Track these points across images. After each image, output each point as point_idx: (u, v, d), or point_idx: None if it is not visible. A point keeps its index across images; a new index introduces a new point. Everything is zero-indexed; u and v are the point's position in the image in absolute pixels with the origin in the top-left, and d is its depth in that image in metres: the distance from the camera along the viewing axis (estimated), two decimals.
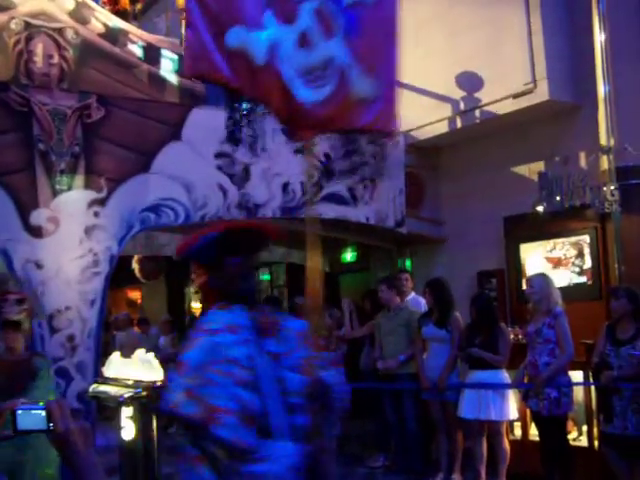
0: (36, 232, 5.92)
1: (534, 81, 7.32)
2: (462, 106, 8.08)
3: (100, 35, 7.03)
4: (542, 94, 7.31)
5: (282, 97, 2.96)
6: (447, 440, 6.70)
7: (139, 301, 15.28)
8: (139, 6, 9.24)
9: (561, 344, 5.73)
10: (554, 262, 7.62)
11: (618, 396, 5.29)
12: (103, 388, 5.79)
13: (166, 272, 11.60)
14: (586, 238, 7.35)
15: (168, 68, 7.50)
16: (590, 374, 6.09)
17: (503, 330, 6.36)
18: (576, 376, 6.22)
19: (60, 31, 6.73)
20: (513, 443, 6.55)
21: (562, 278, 7.34)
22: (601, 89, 7.03)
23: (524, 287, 7.12)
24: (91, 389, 5.85)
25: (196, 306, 12.74)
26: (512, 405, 6.25)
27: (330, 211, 7.32)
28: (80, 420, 1.71)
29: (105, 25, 7.10)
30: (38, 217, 5.94)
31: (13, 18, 6.57)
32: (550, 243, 7.67)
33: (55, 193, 6.02)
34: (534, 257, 7.80)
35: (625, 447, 5.30)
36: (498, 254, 8.17)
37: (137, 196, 6.37)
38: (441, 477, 6.65)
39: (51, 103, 6.04)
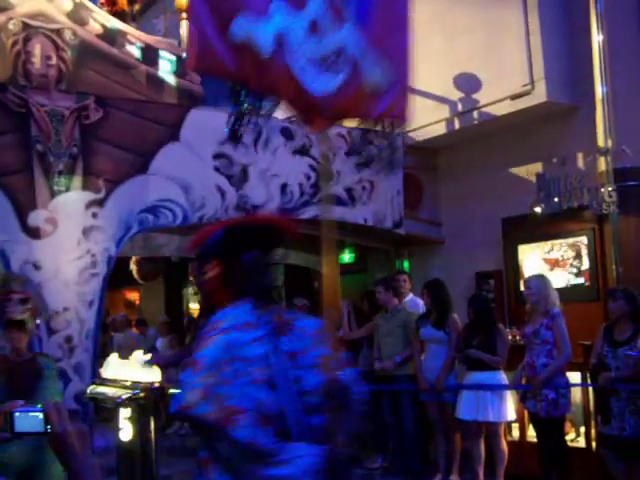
0: (34, 233, 5.92)
1: (532, 82, 7.33)
2: (460, 107, 8.09)
3: (98, 36, 7.03)
4: (540, 95, 7.32)
5: (293, 88, 2.90)
6: (445, 441, 6.71)
7: (137, 302, 15.26)
8: (137, 7, 9.24)
9: (559, 345, 5.74)
10: (552, 263, 7.62)
11: (616, 397, 5.29)
12: (101, 389, 5.78)
13: (164, 273, 11.59)
14: (584, 239, 7.36)
15: (166, 69, 7.49)
16: (588, 375, 6.10)
17: (501, 331, 6.37)
18: (574, 377, 6.23)
19: (58, 32, 6.73)
20: (511, 444, 6.56)
21: (560, 279, 7.35)
22: (599, 90, 7.03)
23: (522, 288, 7.13)
24: (89, 390, 5.85)
25: (194, 307, 12.73)
26: (510, 406, 6.25)
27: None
28: (78, 422, 1.71)
29: (103, 26, 7.10)
30: (36, 218, 5.94)
31: (11, 19, 6.56)
32: (548, 244, 7.67)
33: (53, 194, 6.02)
34: (532, 258, 7.80)
35: (623, 448, 5.30)
36: (496, 255, 8.18)
37: (135, 197, 6.37)
38: (439, 478, 6.65)
39: (49, 104, 6.04)
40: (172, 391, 8.08)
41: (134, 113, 6.43)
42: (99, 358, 6.52)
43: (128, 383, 5.78)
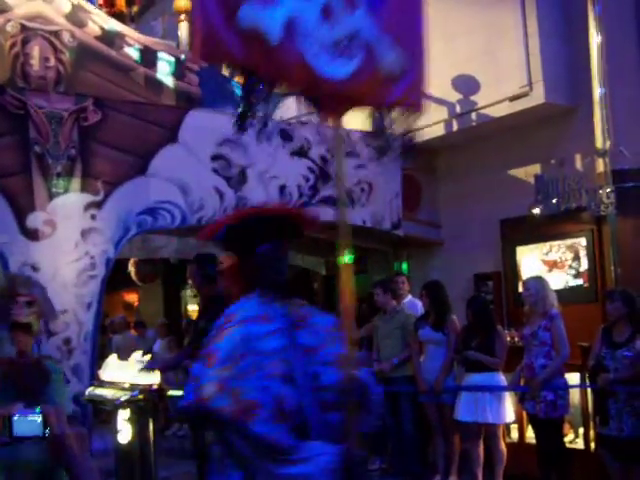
0: (32, 235, 5.92)
1: (530, 84, 7.34)
2: (458, 109, 8.09)
3: (97, 38, 7.03)
4: (538, 97, 7.33)
5: (304, 76, 2.82)
6: (444, 443, 6.70)
7: (135, 304, 15.25)
8: (135, 9, 9.25)
9: (557, 346, 5.74)
10: (550, 264, 7.63)
11: (614, 398, 5.30)
12: (99, 391, 5.78)
13: (163, 275, 11.59)
14: (582, 241, 7.36)
15: (165, 71, 7.50)
16: (586, 376, 6.10)
17: (500, 333, 6.37)
18: (572, 379, 6.23)
19: (56, 34, 6.73)
20: (510, 446, 6.55)
21: (558, 281, 7.35)
22: (597, 92, 7.04)
23: (520, 290, 7.13)
24: (87, 392, 5.84)
25: (193, 309, 12.73)
26: (509, 408, 6.25)
27: (326, 214, 7.30)
28: (76, 425, 1.71)
29: (101, 28, 7.10)
30: (34, 220, 5.93)
31: (9, 21, 6.57)
32: (546, 245, 7.68)
33: (51, 196, 6.02)
34: (530, 259, 7.81)
35: (621, 449, 5.30)
36: (494, 257, 8.18)
37: (134, 199, 6.37)
38: (438, 479, 6.65)
39: (47, 106, 6.03)
40: (171, 393, 8.09)
41: (132, 115, 6.43)
42: (98, 360, 6.52)
43: (127, 385, 5.78)
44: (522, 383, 6.05)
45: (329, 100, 2.95)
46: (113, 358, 9.27)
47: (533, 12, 7.40)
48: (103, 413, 6.22)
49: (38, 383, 3.41)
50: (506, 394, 6.24)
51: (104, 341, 10.37)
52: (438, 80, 7.99)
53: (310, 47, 2.76)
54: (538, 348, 5.81)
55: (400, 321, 7.00)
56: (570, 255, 7.47)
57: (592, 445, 6.22)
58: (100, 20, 7.17)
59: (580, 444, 6.52)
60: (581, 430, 6.54)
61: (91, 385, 5.96)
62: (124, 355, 9.55)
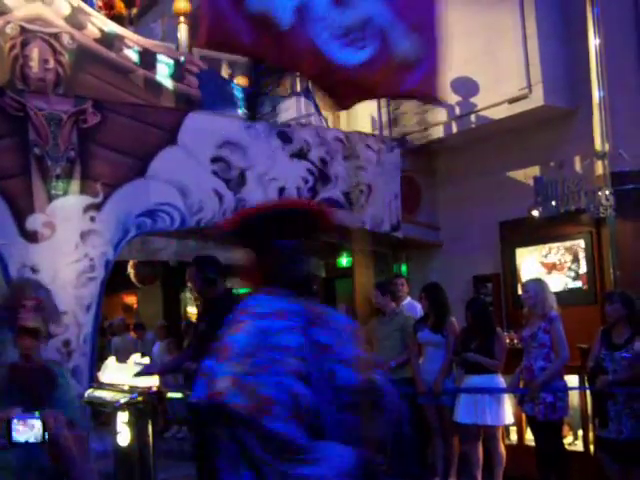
0: (32, 237, 5.91)
1: (529, 86, 7.35)
2: (458, 111, 8.10)
3: (96, 40, 7.03)
4: (537, 99, 7.34)
5: (316, 62, 2.74)
6: (443, 445, 6.70)
7: (135, 306, 15.25)
8: (135, 11, 9.23)
9: (556, 348, 5.74)
10: (549, 267, 7.63)
11: (613, 401, 5.30)
12: (99, 393, 5.79)
13: (162, 277, 11.58)
14: (581, 243, 7.36)
15: (164, 73, 7.50)
16: (585, 379, 6.10)
17: (499, 335, 6.37)
18: (572, 381, 6.23)
19: (56, 36, 6.73)
20: (509, 448, 6.55)
21: (557, 283, 7.35)
22: (596, 94, 7.05)
23: (520, 292, 7.13)
24: (86, 394, 5.84)
25: (192, 311, 12.72)
26: (508, 410, 6.25)
27: None
28: (76, 428, 1.71)
29: (101, 30, 7.10)
30: (34, 222, 5.93)
31: (9, 23, 6.57)
32: (545, 248, 7.68)
33: (51, 198, 6.01)
34: (529, 262, 7.81)
35: (620, 452, 5.30)
36: (494, 259, 8.18)
37: (133, 201, 6.36)
38: None
39: (47, 108, 6.03)
40: (170, 395, 8.09)
41: (132, 117, 6.43)
42: (97, 362, 6.52)
43: (126, 387, 5.78)
44: (521, 385, 6.05)
45: (342, 87, 2.87)
46: (112, 360, 9.29)
47: (532, 14, 7.41)
48: (102, 415, 6.22)
49: (45, 388, 3.36)
50: (505, 396, 6.24)
51: (103, 343, 10.37)
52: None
53: (321, 32, 2.68)
54: (537, 350, 5.81)
55: (399, 323, 7.00)
56: (569, 257, 7.48)
57: (591, 447, 6.22)
58: (99, 22, 7.17)
59: (579, 446, 6.52)
60: (580, 432, 6.54)
61: (90, 387, 5.96)
62: (123, 357, 9.58)
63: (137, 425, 5.43)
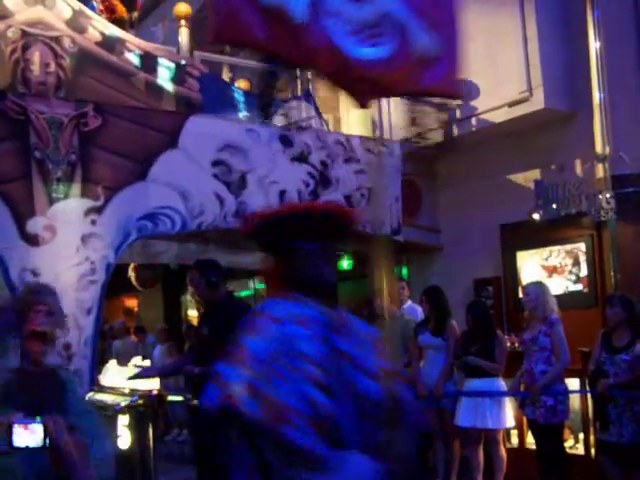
0: (32, 240, 5.91)
1: (529, 89, 7.35)
2: (458, 114, 8.10)
3: (97, 43, 7.04)
4: (538, 102, 7.34)
5: (331, 59, 2.67)
6: (444, 448, 6.69)
7: (135, 309, 15.25)
8: (136, 14, 9.25)
9: (557, 352, 5.74)
10: (550, 270, 7.63)
11: (614, 404, 5.30)
12: (99, 397, 5.78)
13: (163, 280, 11.58)
14: (582, 246, 7.36)
15: (165, 76, 7.50)
16: (586, 382, 6.10)
17: (500, 338, 6.37)
18: (572, 384, 6.23)
19: (57, 40, 6.74)
20: (510, 451, 6.55)
21: (558, 286, 7.35)
22: (596, 97, 7.06)
23: (520, 295, 7.13)
24: (87, 398, 5.83)
25: (193, 314, 12.73)
26: (509, 413, 6.25)
27: None
28: (77, 433, 1.71)
29: (102, 34, 7.12)
30: (35, 225, 5.93)
31: (10, 26, 6.58)
32: (546, 251, 7.68)
33: (52, 201, 6.01)
34: (530, 265, 7.81)
35: (621, 455, 5.30)
36: (494, 262, 8.18)
37: (134, 204, 6.36)
38: None
39: (48, 111, 6.03)
40: (170, 398, 8.09)
41: (133, 120, 6.43)
42: (97, 365, 6.51)
43: (126, 390, 5.78)
44: (522, 388, 6.05)
45: (359, 85, 2.79)
46: (113, 364, 9.29)
47: (532, 17, 7.42)
48: (103, 418, 6.22)
49: (54, 393, 3.32)
50: (506, 399, 6.23)
51: (104, 346, 10.36)
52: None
53: (337, 28, 2.62)
54: (538, 353, 5.81)
55: (400, 326, 7.00)
56: (570, 260, 7.47)
57: (592, 451, 6.21)
58: (100, 26, 7.18)
59: (580, 450, 6.51)
60: (581, 435, 6.54)
61: (91, 390, 5.95)
62: (124, 361, 9.58)
63: (138, 428, 5.43)
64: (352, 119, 9.37)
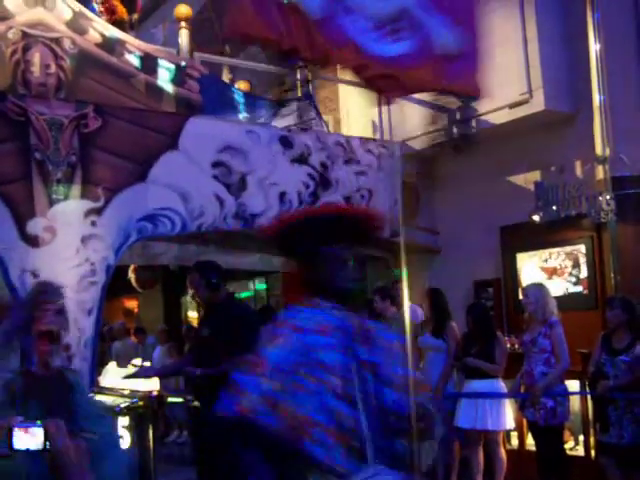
0: (33, 241, 5.91)
1: (530, 91, 7.36)
2: (458, 116, 8.10)
3: (97, 45, 7.03)
4: (538, 104, 7.35)
5: (350, 56, 2.65)
6: (444, 449, 6.69)
7: (135, 310, 15.25)
8: (136, 16, 9.26)
9: (557, 353, 5.74)
10: (550, 271, 7.63)
11: (614, 406, 5.30)
12: (99, 398, 5.77)
13: (162, 281, 11.58)
14: (582, 247, 7.36)
15: (165, 78, 7.50)
16: (586, 383, 6.10)
17: (499, 339, 6.37)
18: (572, 385, 6.23)
19: (57, 41, 6.74)
20: (510, 453, 6.55)
21: (558, 287, 7.35)
22: (596, 98, 7.06)
23: (520, 296, 7.13)
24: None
25: (193, 315, 12.73)
26: (509, 415, 6.25)
27: None
28: (77, 437, 1.70)
29: (102, 35, 7.11)
30: (35, 226, 5.92)
31: (10, 28, 6.57)
32: (546, 252, 7.68)
33: (52, 202, 6.01)
34: (530, 266, 7.81)
35: (621, 456, 5.30)
36: (494, 264, 8.18)
37: (134, 206, 6.36)
38: None
39: (48, 113, 6.03)
40: (170, 400, 8.09)
41: (133, 122, 6.42)
42: (97, 367, 6.51)
43: (126, 392, 5.77)
44: (522, 390, 6.05)
45: (381, 81, 2.75)
46: (113, 365, 9.29)
47: (532, 18, 7.43)
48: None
49: (63, 397, 3.25)
50: (506, 401, 6.24)
51: (104, 348, 10.36)
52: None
53: (357, 24, 2.59)
54: (538, 355, 5.81)
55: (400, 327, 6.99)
56: (570, 262, 7.48)
57: (592, 452, 6.21)
58: (101, 27, 7.18)
59: (580, 451, 6.52)
60: (581, 437, 6.54)
61: (91, 392, 5.95)
62: (124, 362, 9.58)
63: (137, 430, 5.43)
64: (352, 120, 9.37)
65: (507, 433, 6.73)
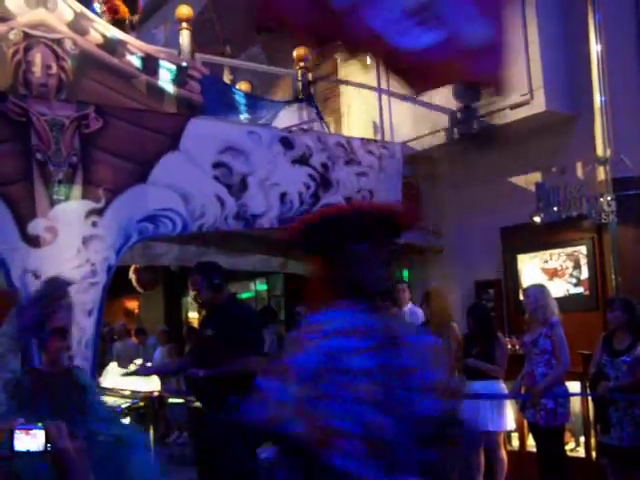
0: (34, 242, 5.92)
1: (531, 92, 7.36)
2: (459, 117, 8.09)
3: (98, 46, 7.04)
4: (539, 105, 7.34)
5: (377, 48, 2.63)
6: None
7: (136, 311, 15.26)
8: (137, 17, 9.27)
9: (557, 354, 5.74)
10: (551, 273, 7.63)
11: (615, 407, 5.29)
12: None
13: (163, 282, 11.59)
14: (583, 249, 7.36)
15: (166, 78, 7.51)
16: (587, 385, 6.09)
17: (500, 340, 6.37)
18: (573, 387, 6.23)
19: (59, 42, 6.75)
20: (510, 454, 6.54)
21: (559, 289, 7.35)
22: (597, 100, 7.06)
23: (521, 297, 7.13)
24: None
25: (194, 316, 12.73)
26: (509, 416, 6.25)
27: None
28: (78, 439, 1.70)
29: (103, 36, 7.12)
30: (36, 227, 5.93)
31: (12, 29, 6.58)
32: (547, 254, 7.68)
33: (53, 203, 6.02)
34: (531, 267, 7.81)
35: (622, 458, 5.30)
36: (495, 264, 8.18)
37: (135, 206, 6.37)
38: None
39: (49, 113, 6.04)
40: (171, 400, 8.08)
41: (134, 122, 6.43)
42: (98, 367, 6.51)
43: (127, 392, 5.77)
44: (523, 391, 6.04)
45: (408, 73, 2.72)
46: (114, 365, 9.30)
47: (533, 20, 7.43)
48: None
49: (74, 397, 3.19)
50: (507, 402, 6.23)
51: (105, 348, 10.37)
52: (439, 88, 8.03)
53: (382, 16, 2.55)
54: (539, 356, 5.81)
55: None
56: (571, 263, 7.47)
57: (593, 453, 6.21)
58: (102, 28, 7.19)
59: (581, 452, 6.51)
60: (582, 438, 6.53)
61: None
62: (124, 362, 9.58)
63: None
64: (353, 121, 9.37)
65: (508, 434, 6.72)
